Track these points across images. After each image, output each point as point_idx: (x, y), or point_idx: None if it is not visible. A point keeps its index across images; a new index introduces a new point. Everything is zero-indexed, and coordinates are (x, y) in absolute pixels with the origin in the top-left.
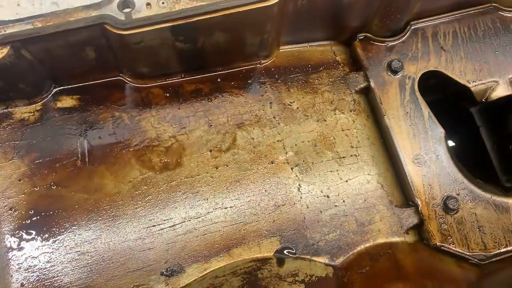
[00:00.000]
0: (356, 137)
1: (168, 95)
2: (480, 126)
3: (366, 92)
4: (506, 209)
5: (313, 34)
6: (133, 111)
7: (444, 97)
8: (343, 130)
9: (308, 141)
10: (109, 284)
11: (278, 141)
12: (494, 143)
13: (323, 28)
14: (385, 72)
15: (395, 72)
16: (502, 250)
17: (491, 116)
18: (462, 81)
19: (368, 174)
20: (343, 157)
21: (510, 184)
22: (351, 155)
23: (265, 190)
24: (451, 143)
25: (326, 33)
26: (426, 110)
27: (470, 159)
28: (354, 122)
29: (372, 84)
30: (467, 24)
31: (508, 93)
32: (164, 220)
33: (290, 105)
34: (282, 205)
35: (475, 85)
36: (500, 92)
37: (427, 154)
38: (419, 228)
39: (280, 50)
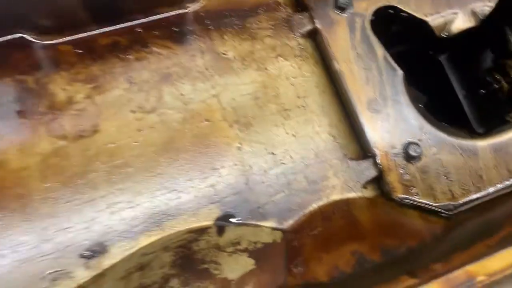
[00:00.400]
0: (303, 85)
1: (79, 51)
2: (449, 74)
3: (313, 35)
4: (473, 152)
5: None
6: (38, 73)
7: (411, 47)
8: (288, 79)
9: (248, 94)
10: (20, 270)
11: (213, 95)
12: (465, 91)
13: None
14: (332, 11)
15: (343, 9)
16: (472, 197)
17: (459, 62)
18: (419, 15)
19: (318, 126)
20: (289, 109)
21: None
22: (298, 106)
23: (200, 153)
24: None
25: None
26: (380, 50)
27: (446, 113)
28: (300, 69)
29: (318, 26)
30: None
31: (468, 25)
32: (82, 195)
33: (225, 54)
34: (221, 168)
35: (433, 19)
36: (460, 24)
37: (384, 98)
38: (378, 181)
39: None
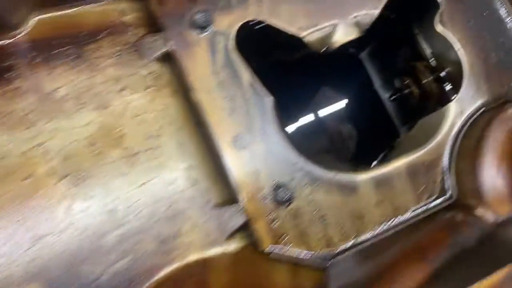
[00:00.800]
0: (156, 122)
1: None
2: (370, 74)
3: (169, 60)
4: (353, 189)
5: None
6: None
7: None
8: (136, 117)
9: (84, 139)
10: None
11: (37, 145)
12: (386, 90)
13: None
14: (189, 31)
15: (202, 28)
16: (351, 243)
17: (378, 61)
18: (293, 29)
19: (174, 170)
20: (137, 154)
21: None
22: (149, 149)
23: (18, 220)
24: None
25: None
26: (246, 75)
27: (369, 115)
28: (152, 102)
29: (174, 48)
30: None
31: (350, 37)
32: None
33: (55, 93)
34: (45, 236)
35: (308, 33)
36: (340, 36)
37: (251, 132)
38: (245, 230)
39: (38, 18)
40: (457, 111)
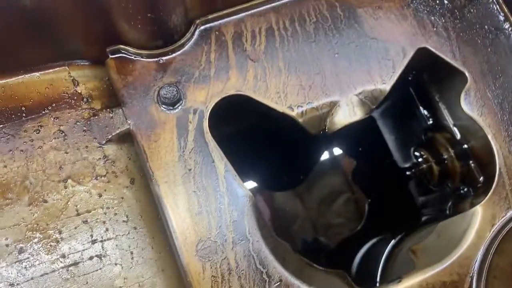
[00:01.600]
0: (104, 222)
1: None
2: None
3: (127, 142)
4: None
5: (31, 52)
6: None
7: None
8: (78, 215)
9: (7, 245)
10: None
11: None
12: (402, 159)
13: (42, 40)
14: (154, 106)
15: (170, 104)
16: None
17: (393, 123)
18: (281, 107)
19: (123, 279)
20: (76, 264)
21: (428, 212)
22: (92, 257)
23: None
24: None
25: (51, 49)
26: (221, 163)
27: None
28: (102, 196)
29: (133, 128)
30: (289, 15)
31: (352, 118)
32: None
33: None
34: None
35: (300, 112)
36: (341, 117)
37: (222, 237)
38: None
39: None
40: (487, 218)
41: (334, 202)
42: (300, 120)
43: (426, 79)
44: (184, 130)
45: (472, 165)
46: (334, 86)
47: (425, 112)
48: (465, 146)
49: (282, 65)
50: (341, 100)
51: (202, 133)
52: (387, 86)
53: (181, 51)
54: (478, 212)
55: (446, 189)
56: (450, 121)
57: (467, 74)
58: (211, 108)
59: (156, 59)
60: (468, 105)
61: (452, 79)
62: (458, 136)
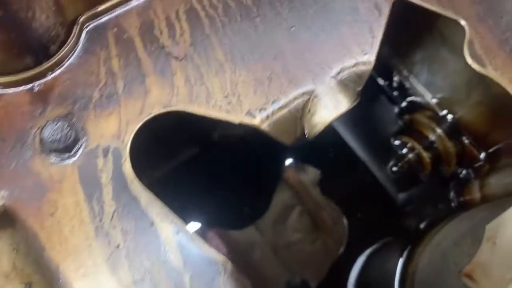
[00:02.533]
0: None
1: None
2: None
3: (9, 225)
4: None
5: None
6: None
7: None
8: None
9: None
10: None
11: None
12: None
13: None
14: (38, 159)
15: (63, 150)
16: None
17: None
18: (237, 117)
19: None
20: None
21: (408, 206)
22: None
23: None
24: None
25: None
26: (166, 224)
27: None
28: None
29: (9, 203)
30: None
31: (339, 110)
32: None
33: None
34: None
35: (267, 116)
36: (323, 111)
37: None
38: None
39: None
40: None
41: (288, 218)
42: (266, 128)
43: (387, 52)
44: (94, 186)
45: (466, 141)
46: (302, 70)
47: (395, 93)
48: (452, 120)
49: (222, 57)
50: (316, 88)
51: (125, 183)
52: (370, 57)
53: (64, 66)
54: None
55: (442, 178)
56: (427, 95)
57: (462, 22)
58: (130, 141)
59: (27, 85)
60: (477, 60)
61: (440, 35)
62: (442, 111)
